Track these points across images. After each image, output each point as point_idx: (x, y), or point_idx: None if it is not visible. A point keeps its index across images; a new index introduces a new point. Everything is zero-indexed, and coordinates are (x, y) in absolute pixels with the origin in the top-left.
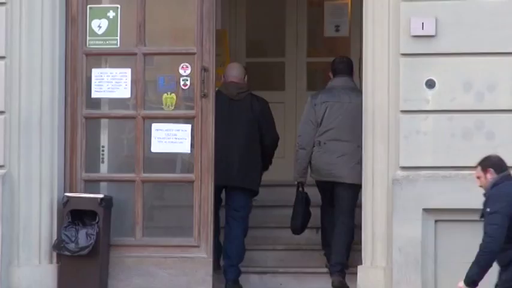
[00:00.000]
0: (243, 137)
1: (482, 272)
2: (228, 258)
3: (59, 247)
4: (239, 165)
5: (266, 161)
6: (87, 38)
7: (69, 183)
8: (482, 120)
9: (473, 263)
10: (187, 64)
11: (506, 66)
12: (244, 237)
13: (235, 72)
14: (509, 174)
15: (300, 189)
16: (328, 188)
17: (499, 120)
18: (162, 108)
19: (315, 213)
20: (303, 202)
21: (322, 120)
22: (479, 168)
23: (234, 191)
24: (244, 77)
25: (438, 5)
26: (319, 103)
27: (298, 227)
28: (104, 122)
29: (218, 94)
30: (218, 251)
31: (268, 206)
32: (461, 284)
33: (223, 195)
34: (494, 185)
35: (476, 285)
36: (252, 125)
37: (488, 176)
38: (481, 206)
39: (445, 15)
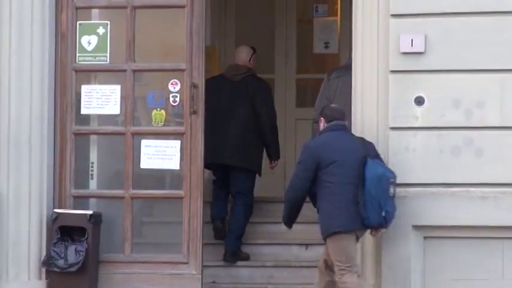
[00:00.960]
0: (239, 118)
1: (289, 214)
2: (230, 231)
3: (48, 263)
4: (234, 145)
5: (270, 146)
6: (77, 54)
7: (58, 199)
8: (471, 137)
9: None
10: (176, 80)
11: (495, 83)
12: (245, 213)
13: (239, 54)
14: (337, 125)
15: None
16: None
17: (487, 137)
18: (152, 125)
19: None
20: None
21: (334, 95)
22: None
23: (232, 171)
24: (250, 59)
25: (427, 22)
26: (333, 78)
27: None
28: (93, 138)
29: (220, 76)
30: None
31: (256, 222)
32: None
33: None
34: (321, 133)
35: (290, 224)
36: (247, 105)
37: (321, 124)
38: (470, 223)
39: (434, 32)
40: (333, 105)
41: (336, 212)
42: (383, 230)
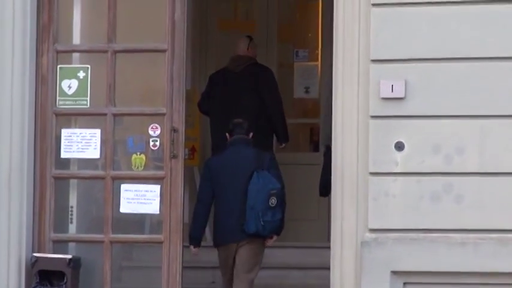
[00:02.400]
0: (244, 108)
1: (193, 224)
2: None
3: None
4: None
5: (278, 130)
6: (57, 97)
7: (37, 243)
8: (450, 183)
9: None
10: (156, 125)
11: (475, 129)
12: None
13: (237, 46)
14: (235, 139)
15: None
16: None
17: (467, 183)
18: (132, 169)
19: None
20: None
21: None
22: None
23: None
24: (248, 48)
25: (408, 67)
26: None
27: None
28: (73, 182)
29: (223, 70)
30: None
31: None
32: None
33: None
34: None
35: (198, 242)
36: (252, 94)
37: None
38: (450, 269)
39: (414, 78)
40: (236, 119)
41: (219, 225)
42: (274, 238)
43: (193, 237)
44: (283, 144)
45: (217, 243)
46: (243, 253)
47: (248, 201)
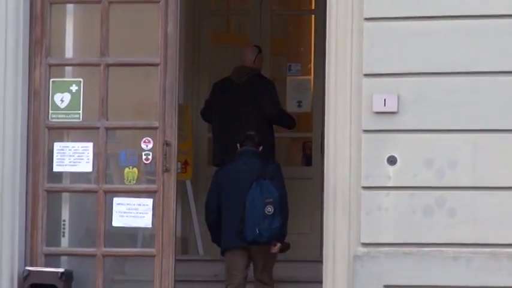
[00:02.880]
0: (245, 119)
1: (210, 231)
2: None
3: None
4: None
5: (286, 122)
6: (50, 111)
7: (29, 256)
8: (443, 197)
9: None
10: (149, 138)
11: (468, 143)
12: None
13: (244, 56)
14: (243, 151)
15: None
16: None
17: (460, 197)
18: (124, 183)
19: None
20: None
21: None
22: None
23: None
24: (255, 60)
25: (400, 81)
26: None
27: None
28: (65, 195)
29: (226, 79)
30: None
31: None
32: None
33: None
34: None
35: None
36: (253, 106)
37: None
38: (442, 283)
39: (407, 92)
40: (248, 132)
41: (224, 232)
42: (278, 245)
43: (216, 244)
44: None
45: (222, 249)
46: (256, 258)
47: (246, 210)
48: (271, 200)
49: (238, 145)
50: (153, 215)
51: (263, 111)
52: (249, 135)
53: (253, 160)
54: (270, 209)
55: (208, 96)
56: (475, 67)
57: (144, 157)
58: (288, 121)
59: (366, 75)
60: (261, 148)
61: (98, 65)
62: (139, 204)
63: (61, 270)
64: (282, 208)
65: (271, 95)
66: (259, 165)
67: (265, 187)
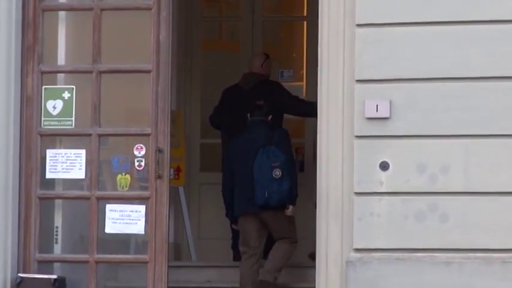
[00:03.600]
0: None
1: (226, 208)
2: None
3: None
4: None
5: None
6: (42, 118)
7: (22, 263)
8: (435, 203)
9: None
10: (141, 145)
11: (460, 148)
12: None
13: (252, 62)
14: (252, 121)
15: None
16: None
17: (452, 202)
18: (117, 189)
19: None
20: None
21: None
22: None
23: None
24: (262, 65)
25: (392, 87)
26: None
27: None
28: (58, 202)
29: (235, 86)
30: None
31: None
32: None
33: None
34: None
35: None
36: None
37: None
38: None
39: (399, 98)
40: (257, 102)
41: (236, 199)
42: (291, 208)
43: (228, 217)
44: None
45: (235, 215)
46: (270, 223)
47: (254, 175)
48: (277, 163)
49: (248, 115)
50: (146, 221)
51: (284, 109)
52: (258, 105)
53: (261, 129)
54: (277, 173)
55: (218, 103)
56: (467, 72)
57: (136, 164)
58: (310, 107)
59: (358, 81)
60: (270, 117)
61: (90, 72)
62: (132, 211)
63: (54, 276)
64: (290, 171)
65: (283, 90)
66: (266, 132)
67: (271, 152)
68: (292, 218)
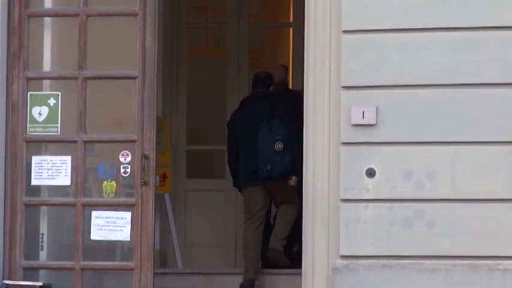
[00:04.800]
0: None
1: (230, 171)
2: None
3: None
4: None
5: None
6: (28, 125)
7: (8, 270)
8: (422, 210)
9: None
10: (127, 152)
11: (446, 155)
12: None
13: (275, 75)
14: (253, 93)
15: None
16: None
17: (438, 209)
18: (102, 196)
19: None
20: None
21: None
22: None
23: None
24: (285, 78)
25: (379, 94)
26: None
27: None
28: (44, 209)
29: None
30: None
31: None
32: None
33: None
34: None
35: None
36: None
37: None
38: None
39: (385, 104)
40: (258, 72)
41: (240, 171)
42: (294, 178)
43: (234, 185)
44: None
45: (240, 186)
46: (273, 192)
47: (257, 149)
48: (279, 137)
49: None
50: (132, 228)
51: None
52: (259, 77)
53: (263, 101)
54: (279, 146)
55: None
56: (453, 79)
57: (122, 170)
58: None
59: (344, 87)
60: (271, 88)
61: (75, 78)
62: (118, 218)
63: (39, 283)
64: (292, 143)
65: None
66: (268, 105)
67: (274, 126)
68: (294, 187)
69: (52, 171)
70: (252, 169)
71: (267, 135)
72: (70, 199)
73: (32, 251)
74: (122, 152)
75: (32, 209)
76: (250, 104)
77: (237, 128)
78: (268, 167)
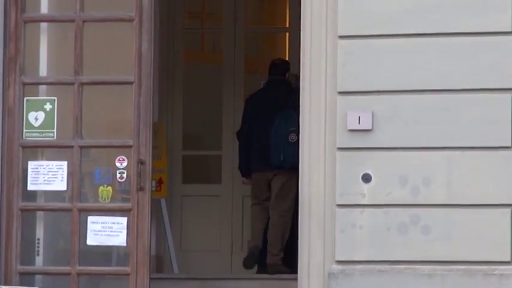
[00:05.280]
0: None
1: (240, 159)
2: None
3: None
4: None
5: None
6: (24, 130)
7: (3, 275)
8: (417, 215)
9: None
10: (123, 157)
11: (442, 160)
12: None
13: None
14: (269, 80)
15: None
16: None
17: (434, 214)
18: (98, 201)
19: None
20: None
21: None
22: None
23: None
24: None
25: (375, 99)
26: None
27: None
28: (40, 214)
29: None
30: None
31: None
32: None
33: None
34: None
35: (245, 173)
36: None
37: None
38: None
39: (381, 110)
40: (274, 60)
41: (253, 157)
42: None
43: (240, 170)
44: None
45: (250, 171)
46: (274, 184)
47: (271, 139)
48: (294, 128)
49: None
50: (128, 233)
51: None
52: (274, 63)
53: (280, 88)
54: (293, 137)
55: None
56: (449, 84)
57: (118, 175)
58: None
59: (340, 92)
60: (287, 75)
61: (72, 83)
62: (114, 223)
63: None
64: None
65: None
66: (284, 94)
67: (289, 116)
68: (293, 183)
69: (48, 176)
70: (263, 156)
71: (282, 126)
72: (66, 204)
73: (28, 256)
74: (118, 157)
75: (28, 214)
76: (265, 89)
77: (251, 113)
78: (282, 158)
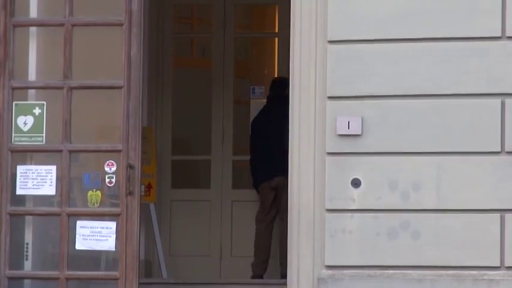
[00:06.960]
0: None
1: (251, 173)
2: None
3: None
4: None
5: None
6: (13, 134)
7: None
8: (407, 220)
9: None
10: (112, 161)
11: (432, 165)
12: None
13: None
14: (270, 96)
15: None
16: None
17: (424, 219)
18: (87, 206)
19: None
20: None
21: None
22: None
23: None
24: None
25: (364, 104)
26: None
27: None
28: (29, 218)
29: None
30: None
31: None
32: None
33: None
34: None
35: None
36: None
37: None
38: None
39: (371, 115)
40: (276, 77)
41: (260, 168)
42: None
43: (254, 186)
44: None
45: (258, 182)
46: (282, 196)
47: (273, 154)
48: None
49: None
50: (117, 238)
51: None
52: (275, 81)
53: (280, 104)
54: None
55: None
56: (438, 89)
57: (107, 180)
58: None
59: (330, 97)
60: (287, 91)
61: (61, 87)
62: (103, 227)
63: None
64: None
65: None
66: (286, 110)
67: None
68: None
69: (37, 180)
70: (268, 169)
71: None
72: (55, 209)
73: (16, 260)
74: (107, 162)
75: (17, 219)
76: (268, 108)
77: (257, 130)
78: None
